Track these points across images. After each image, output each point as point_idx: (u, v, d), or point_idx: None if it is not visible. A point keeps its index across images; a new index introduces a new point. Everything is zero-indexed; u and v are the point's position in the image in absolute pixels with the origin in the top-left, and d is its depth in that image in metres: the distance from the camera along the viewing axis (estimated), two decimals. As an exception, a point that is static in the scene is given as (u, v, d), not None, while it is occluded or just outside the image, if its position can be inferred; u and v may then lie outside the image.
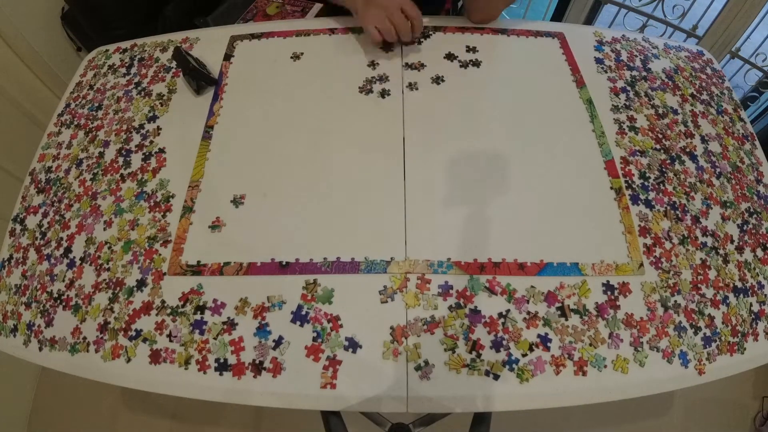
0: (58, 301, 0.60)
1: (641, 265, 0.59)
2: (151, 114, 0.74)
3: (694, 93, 0.78)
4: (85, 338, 0.57)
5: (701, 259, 0.61)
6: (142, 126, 0.73)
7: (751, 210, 0.67)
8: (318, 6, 1.40)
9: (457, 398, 0.52)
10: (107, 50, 0.87)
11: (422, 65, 0.76)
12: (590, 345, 0.54)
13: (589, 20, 1.67)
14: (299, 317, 0.55)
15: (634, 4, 1.56)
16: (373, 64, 0.76)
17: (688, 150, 0.71)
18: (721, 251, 0.63)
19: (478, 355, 0.53)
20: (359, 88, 0.73)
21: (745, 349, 0.58)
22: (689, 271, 0.60)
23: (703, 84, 0.80)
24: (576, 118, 0.72)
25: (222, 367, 0.53)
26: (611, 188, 0.65)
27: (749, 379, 1.37)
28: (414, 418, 0.65)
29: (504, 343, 0.54)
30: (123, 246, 0.62)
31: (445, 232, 0.60)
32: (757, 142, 0.76)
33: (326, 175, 0.65)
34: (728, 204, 0.67)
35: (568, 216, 0.62)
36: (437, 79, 0.74)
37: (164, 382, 0.54)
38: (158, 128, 0.72)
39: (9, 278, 0.65)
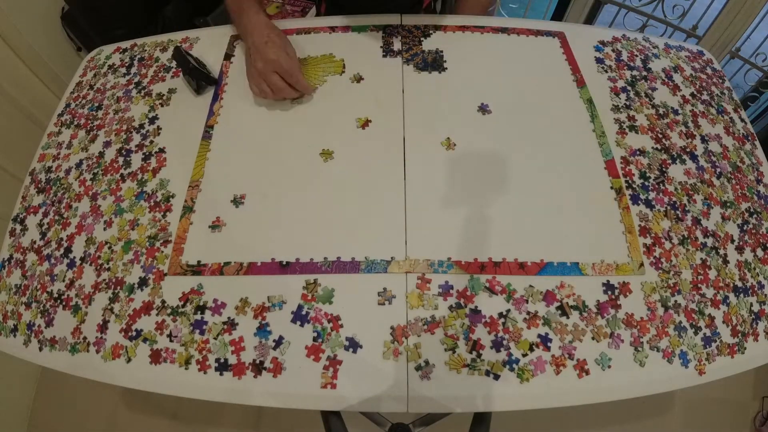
0: (58, 301, 0.60)
1: (641, 264, 0.59)
2: (151, 114, 0.74)
3: (695, 93, 0.78)
4: (85, 338, 0.57)
5: (701, 259, 0.61)
6: (142, 126, 0.73)
7: (751, 210, 0.67)
8: (318, 6, 1.40)
9: (458, 398, 0.52)
10: (107, 50, 0.87)
11: (423, 64, 0.76)
12: (593, 339, 0.54)
13: (589, 20, 1.67)
14: (299, 317, 0.55)
15: (634, 4, 1.56)
16: (373, 63, 0.76)
17: (688, 150, 0.71)
18: (721, 251, 0.63)
19: (479, 355, 0.53)
20: (359, 87, 0.73)
21: (745, 349, 0.58)
22: (689, 271, 0.60)
23: (704, 84, 0.80)
24: (576, 117, 0.72)
25: (222, 367, 0.53)
26: (611, 188, 0.65)
27: (749, 379, 1.37)
28: (414, 418, 0.65)
29: (504, 343, 0.54)
30: (123, 246, 0.62)
31: (445, 231, 0.60)
32: (757, 142, 0.76)
33: (326, 174, 0.65)
34: (728, 204, 0.67)
35: (568, 215, 0.62)
36: (437, 78, 0.74)
37: (164, 382, 0.54)
38: (158, 128, 0.72)
39: (9, 278, 0.65)
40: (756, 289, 0.62)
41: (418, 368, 0.53)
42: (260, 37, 0.68)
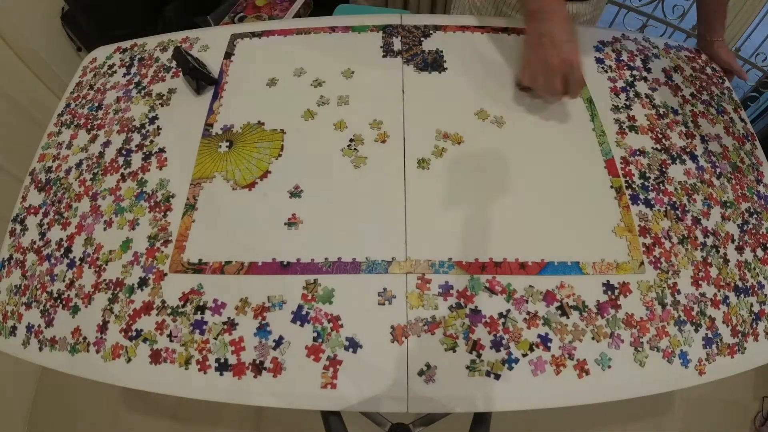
0: (58, 301, 0.60)
1: (641, 263, 0.59)
2: (151, 114, 0.74)
3: (695, 93, 0.78)
4: (85, 338, 0.57)
5: (701, 258, 0.61)
6: (142, 126, 0.73)
7: (751, 210, 0.67)
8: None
9: (458, 398, 0.52)
10: (107, 50, 0.87)
11: (423, 64, 0.76)
12: (593, 339, 0.54)
13: (589, 20, 1.67)
14: (299, 317, 0.55)
15: (634, 4, 1.56)
16: (373, 63, 0.76)
17: (688, 150, 0.71)
18: (721, 251, 0.63)
19: (479, 355, 0.53)
20: (359, 87, 0.73)
21: (745, 349, 0.58)
22: (689, 270, 0.60)
23: (704, 84, 0.80)
24: (576, 117, 0.71)
25: (222, 367, 0.53)
26: (611, 187, 0.65)
27: (749, 379, 1.37)
28: (414, 418, 0.65)
29: (504, 342, 0.54)
30: (122, 246, 0.61)
31: (446, 231, 0.60)
32: (757, 142, 0.76)
33: (327, 174, 0.65)
34: (728, 204, 0.67)
35: (568, 215, 0.62)
36: (437, 79, 0.74)
37: (164, 382, 0.54)
38: (158, 128, 0.72)
39: (9, 278, 0.65)
40: (756, 289, 0.62)
41: (420, 373, 0.52)
42: (561, 32, 0.62)
